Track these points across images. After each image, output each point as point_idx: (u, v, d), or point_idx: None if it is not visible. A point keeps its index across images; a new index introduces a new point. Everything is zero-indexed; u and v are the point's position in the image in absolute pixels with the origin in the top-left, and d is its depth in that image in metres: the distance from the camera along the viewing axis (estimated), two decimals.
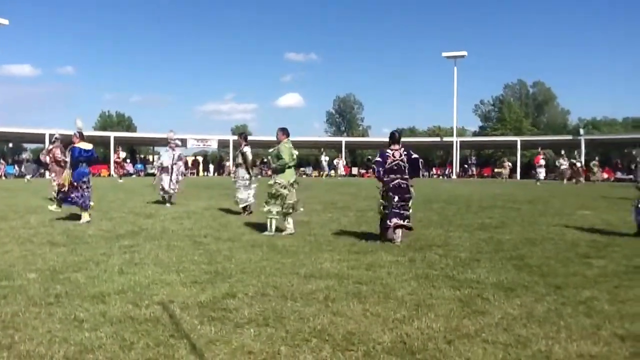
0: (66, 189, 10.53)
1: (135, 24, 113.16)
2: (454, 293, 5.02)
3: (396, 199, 8.00)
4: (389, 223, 7.95)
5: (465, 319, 4.21)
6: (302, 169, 51.43)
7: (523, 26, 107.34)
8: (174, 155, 14.37)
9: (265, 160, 9.00)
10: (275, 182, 8.82)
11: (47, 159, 14.84)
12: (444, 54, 49.12)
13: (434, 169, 51.71)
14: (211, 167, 50.96)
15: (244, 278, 5.58)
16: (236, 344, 3.64)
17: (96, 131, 60.27)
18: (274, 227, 8.83)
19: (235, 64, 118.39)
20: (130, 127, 75.41)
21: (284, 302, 4.65)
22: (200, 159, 52.71)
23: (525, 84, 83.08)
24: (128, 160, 42.99)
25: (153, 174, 18.90)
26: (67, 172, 10.81)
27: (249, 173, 12.05)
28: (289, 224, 8.87)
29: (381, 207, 8.23)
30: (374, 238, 8.27)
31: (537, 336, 3.82)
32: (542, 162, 32.48)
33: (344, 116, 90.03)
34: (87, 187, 10.62)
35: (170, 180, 14.02)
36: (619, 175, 39.48)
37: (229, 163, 42.09)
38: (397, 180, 8.07)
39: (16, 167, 42.57)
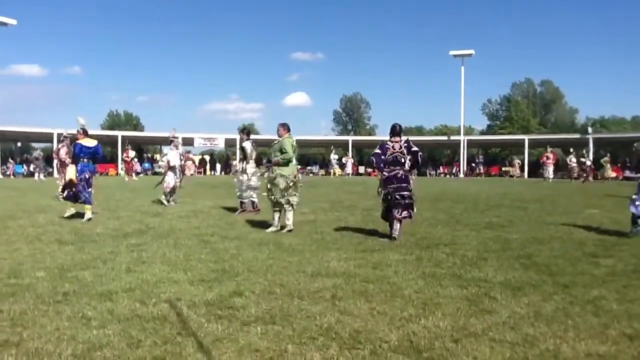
0: (72, 185, 10.59)
1: (142, 24, 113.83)
2: (461, 292, 5.00)
3: (396, 190, 8.08)
4: (390, 216, 8.15)
5: (472, 318, 4.19)
6: (308, 167, 51.53)
7: (531, 25, 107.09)
8: (179, 154, 14.49)
9: (270, 159, 9.04)
10: (280, 175, 8.87)
11: (55, 159, 14.98)
12: (452, 53, 48.91)
13: (441, 168, 51.55)
14: (218, 166, 51.06)
15: (251, 276, 5.59)
16: (243, 342, 3.65)
17: (104, 130, 60.64)
18: (276, 220, 8.98)
19: (242, 63, 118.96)
20: (137, 127, 75.72)
21: (291, 301, 4.65)
22: (207, 158, 52.81)
23: (532, 83, 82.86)
24: (136, 160, 43.12)
25: (158, 173, 18.92)
26: (72, 168, 10.87)
27: (255, 166, 12.15)
28: (289, 220, 8.95)
29: (381, 200, 8.38)
30: (381, 236, 8.27)
31: (544, 335, 3.81)
32: (551, 160, 32.11)
33: (351, 115, 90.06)
34: (88, 184, 10.65)
35: (176, 178, 14.12)
36: (627, 173, 39.17)
37: (236, 162, 42.14)
38: (396, 172, 8.15)
39: (24, 166, 42.82)
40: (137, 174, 37.68)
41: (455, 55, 48.79)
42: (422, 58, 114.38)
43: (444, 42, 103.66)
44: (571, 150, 34.60)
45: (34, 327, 3.94)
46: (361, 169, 49.00)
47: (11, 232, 8.72)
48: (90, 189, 10.64)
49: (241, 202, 12.02)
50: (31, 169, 40.33)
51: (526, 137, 48.34)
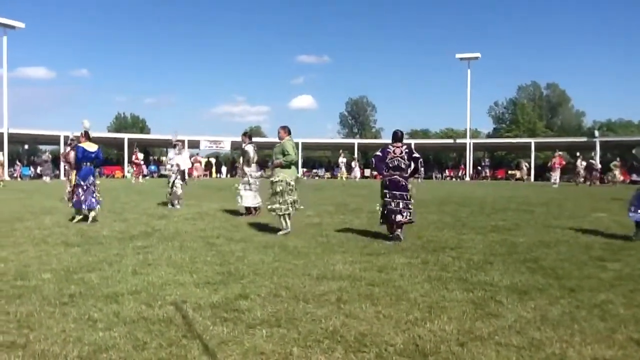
0: (74, 190, 10.56)
1: (148, 27, 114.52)
2: (467, 295, 4.99)
3: (394, 196, 8.31)
4: (393, 217, 8.27)
5: (478, 322, 4.18)
6: (314, 170, 51.54)
7: (537, 27, 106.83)
8: (187, 156, 14.57)
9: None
10: (280, 180, 8.88)
11: (63, 161, 15.00)
12: (458, 56, 48.90)
13: (447, 171, 51.49)
14: (224, 168, 51.16)
15: (257, 279, 5.59)
16: (248, 345, 3.65)
17: (110, 133, 60.89)
18: (288, 224, 8.92)
19: (248, 66, 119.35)
20: (144, 129, 76.01)
21: (296, 304, 4.65)
22: (213, 160, 52.93)
23: (539, 86, 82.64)
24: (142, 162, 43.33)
25: (164, 176, 18.95)
26: (73, 174, 10.81)
27: (257, 169, 12.20)
28: (282, 223, 8.97)
29: (381, 201, 8.57)
30: (387, 240, 8.25)
31: (551, 339, 3.79)
32: (559, 164, 31.87)
33: (357, 118, 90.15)
34: (93, 188, 10.64)
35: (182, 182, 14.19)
36: (634, 177, 38.96)
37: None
38: (395, 176, 8.37)
39: (32, 168, 43.04)
40: (144, 176, 37.83)
41: (461, 59, 48.77)
42: (428, 61, 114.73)
43: (450, 45, 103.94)
44: (578, 154, 34.44)
45: (40, 328, 3.95)
46: (366, 172, 48.98)
47: (18, 234, 8.76)
48: (95, 193, 10.63)
49: (255, 207, 12.00)
50: (38, 171, 40.57)
51: (532, 140, 48.28)
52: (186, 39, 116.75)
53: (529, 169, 44.29)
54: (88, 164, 10.69)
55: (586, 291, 5.15)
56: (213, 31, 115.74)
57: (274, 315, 4.30)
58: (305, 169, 51.13)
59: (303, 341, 3.73)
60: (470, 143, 48.33)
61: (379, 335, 3.85)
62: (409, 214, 8.34)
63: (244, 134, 12.65)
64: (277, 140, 9.40)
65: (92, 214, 10.43)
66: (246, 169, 12.19)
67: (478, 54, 49.08)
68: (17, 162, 41.40)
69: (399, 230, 8.28)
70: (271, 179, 9.13)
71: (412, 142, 49.94)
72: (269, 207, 9.02)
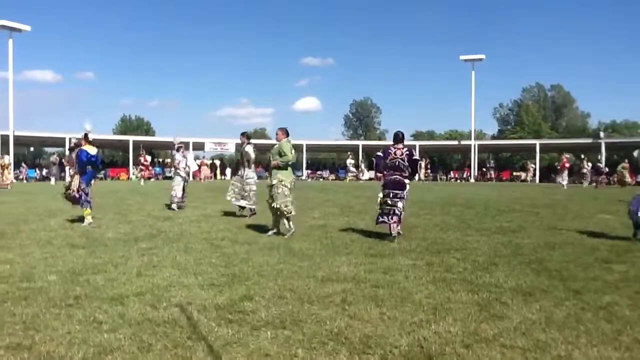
0: (76, 193, 10.49)
1: (154, 30, 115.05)
2: (472, 297, 4.98)
3: (391, 194, 8.56)
4: (387, 219, 8.51)
5: (483, 323, 4.17)
6: (318, 172, 51.54)
7: (541, 29, 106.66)
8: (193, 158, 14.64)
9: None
10: (279, 182, 8.88)
11: (67, 165, 14.98)
12: (462, 58, 48.80)
13: (452, 173, 51.41)
14: (228, 170, 51.19)
15: (261, 281, 5.59)
16: (253, 347, 3.65)
17: (115, 135, 61.09)
18: (292, 224, 8.94)
19: (252, 68, 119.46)
20: (149, 131, 76.18)
21: (301, 305, 4.65)
22: (217, 162, 53.03)
23: (543, 88, 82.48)
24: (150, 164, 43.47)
25: (169, 178, 19.01)
26: (77, 178, 10.63)
27: (253, 170, 12.28)
28: (278, 225, 9.05)
29: (379, 200, 8.76)
30: (391, 242, 8.25)
31: (556, 341, 3.78)
32: (567, 165, 31.78)
33: (361, 120, 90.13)
34: (89, 190, 10.65)
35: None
36: (639, 178, 38.76)
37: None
38: (395, 176, 8.63)
39: (37, 170, 43.20)
40: (148, 178, 37.96)
41: (465, 60, 48.69)
42: (432, 63, 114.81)
43: (454, 47, 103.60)
44: (582, 156, 34.34)
45: (45, 330, 3.96)
46: (371, 174, 48.94)
47: (24, 235, 8.79)
48: (89, 196, 10.62)
49: (250, 208, 12.03)
50: (44, 173, 40.73)
51: (537, 142, 48.15)
52: (191, 41, 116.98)
53: (534, 170, 44.19)
54: (90, 167, 10.71)
55: (592, 293, 5.13)
56: (218, 34, 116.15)
57: (278, 317, 4.30)
58: (309, 171, 51.13)
59: (308, 343, 3.73)
60: (474, 144, 48.25)
61: (384, 337, 3.84)
62: (400, 215, 8.53)
63: (243, 134, 12.66)
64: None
65: (88, 218, 10.37)
66: (246, 170, 12.21)
67: (482, 56, 48.96)
68: (23, 164, 41.55)
69: (394, 225, 8.51)
70: (268, 181, 9.11)
71: (417, 143, 50.05)
72: (275, 206, 8.97)
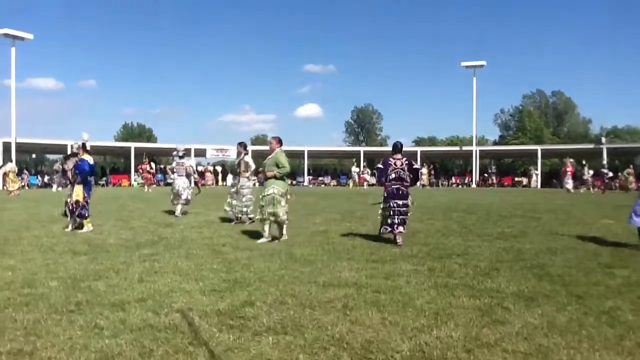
0: (78, 204, 10.46)
1: (156, 38, 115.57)
2: (474, 302, 4.97)
3: (396, 203, 8.79)
4: (390, 226, 8.74)
5: (485, 328, 4.16)
6: (320, 178, 51.56)
7: (542, 36, 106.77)
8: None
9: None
10: (276, 190, 8.89)
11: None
12: (463, 64, 48.89)
13: (453, 178, 51.38)
14: (229, 177, 51.19)
15: (263, 286, 5.59)
16: (254, 352, 3.64)
17: (117, 142, 61.19)
18: (285, 232, 9.05)
19: (254, 75, 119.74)
20: (151, 138, 76.34)
21: (302, 311, 4.64)
22: (219, 168, 53.08)
23: (544, 94, 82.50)
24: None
25: (171, 184, 19.13)
26: (78, 188, 10.61)
27: (249, 179, 12.34)
28: (284, 231, 9.14)
29: (382, 211, 9.02)
30: (393, 247, 8.25)
31: (558, 346, 3.76)
32: (569, 169, 31.70)
33: (363, 126, 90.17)
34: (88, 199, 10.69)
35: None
36: None
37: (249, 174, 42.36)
38: (397, 186, 8.89)
39: (39, 177, 43.27)
40: (150, 184, 38.01)
41: (467, 67, 48.77)
42: (433, 69, 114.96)
43: (455, 53, 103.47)
44: (583, 162, 34.31)
45: (47, 336, 3.96)
46: (373, 180, 48.96)
47: (25, 242, 8.80)
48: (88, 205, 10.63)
49: (244, 216, 12.08)
50: (46, 180, 40.77)
51: (539, 148, 48.16)
52: (193, 49, 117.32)
53: (537, 177, 44.14)
54: (90, 177, 10.75)
55: (594, 298, 5.12)
56: (220, 42, 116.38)
57: (280, 322, 4.29)
58: (311, 177, 51.14)
59: (309, 348, 3.72)
60: (476, 150, 48.26)
61: (385, 342, 3.83)
62: (405, 222, 8.83)
63: (240, 144, 12.69)
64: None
65: (88, 226, 10.42)
66: (243, 179, 12.24)
67: (483, 62, 49.08)
68: (25, 171, 41.62)
69: (400, 237, 8.67)
70: (264, 192, 9.04)
71: (419, 149, 50.06)
72: (270, 212, 8.95)
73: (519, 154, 57.27)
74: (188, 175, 14.50)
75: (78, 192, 10.56)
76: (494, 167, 50.37)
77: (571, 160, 32.61)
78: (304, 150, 48.52)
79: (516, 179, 48.45)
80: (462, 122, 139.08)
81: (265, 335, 3.99)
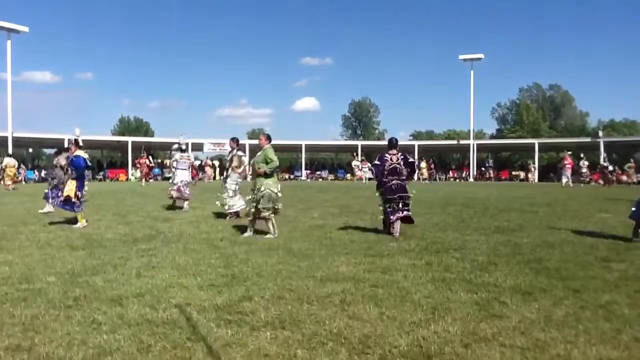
0: (69, 199, 10.42)
1: (153, 31, 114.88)
2: (471, 296, 4.98)
3: (395, 197, 9.03)
4: (392, 218, 8.93)
5: (482, 323, 4.17)
6: (317, 172, 51.53)
7: (540, 28, 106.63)
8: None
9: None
10: (267, 187, 8.87)
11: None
12: (461, 57, 48.87)
13: (450, 172, 51.41)
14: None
15: (260, 281, 5.59)
16: (252, 347, 3.65)
17: (114, 136, 61.04)
18: (275, 228, 8.98)
19: (251, 69, 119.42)
20: (148, 132, 76.15)
21: (300, 306, 4.65)
22: (216, 163, 53.04)
23: (541, 87, 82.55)
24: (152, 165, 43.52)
25: (169, 178, 19.12)
26: (71, 183, 10.56)
27: (240, 175, 12.33)
28: (274, 227, 9.05)
29: (382, 205, 9.25)
30: (390, 241, 8.26)
31: (555, 340, 3.78)
32: (567, 162, 31.72)
33: (360, 120, 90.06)
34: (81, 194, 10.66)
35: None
36: None
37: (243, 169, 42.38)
38: (395, 181, 9.13)
39: (36, 172, 43.15)
40: (149, 179, 37.99)
41: (464, 60, 48.73)
42: (431, 62, 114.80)
43: (453, 46, 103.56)
44: (581, 155, 34.35)
45: (45, 331, 3.96)
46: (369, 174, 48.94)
47: (23, 237, 8.79)
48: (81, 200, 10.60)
49: (235, 211, 12.08)
50: (43, 174, 40.65)
51: (536, 141, 48.18)
52: (189, 42, 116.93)
53: (535, 170, 44.18)
54: (85, 172, 10.72)
55: (591, 292, 5.14)
56: (217, 35, 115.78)
57: (277, 317, 4.30)
58: (308, 171, 51.11)
59: (307, 343, 3.73)
60: (473, 144, 48.27)
61: (383, 337, 3.84)
62: (407, 210, 9.06)
63: (233, 140, 12.65)
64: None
65: (83, 221, 10.34)
66: (235, 175, 12.24)
67: (481, 55, 49.03)
68: (22, 166, 41.49)
69: (398, 225, 8.91)
70: (255, 188, 9.02)
71: (416, 143, 50.07)
72: (262, 214, 8.95)
73: (516, 147, 57.29)
74: (188, 169, 14.60)
75: (71, 187, 10.50)
76: (491, 160, 50.38)
77: (568, 152, 32.61)
78: (301, 144, 48.48)
79: (513, 172, 48.48)
80: (460, 115, 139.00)
81: (263, 330, 3.99)
